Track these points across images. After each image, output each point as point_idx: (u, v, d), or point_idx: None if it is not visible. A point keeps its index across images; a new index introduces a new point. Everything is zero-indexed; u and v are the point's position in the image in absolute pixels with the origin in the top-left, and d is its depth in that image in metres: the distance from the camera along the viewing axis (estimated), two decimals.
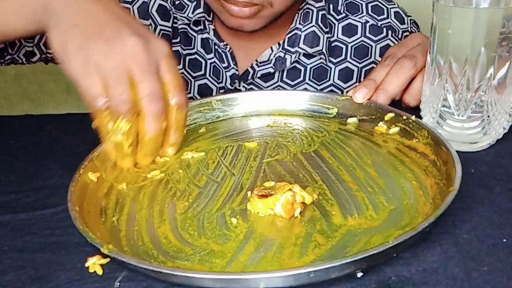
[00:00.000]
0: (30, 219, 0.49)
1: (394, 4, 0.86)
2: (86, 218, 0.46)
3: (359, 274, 0.39)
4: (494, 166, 0.53)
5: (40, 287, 0.40)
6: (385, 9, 0.85)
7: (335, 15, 0.84)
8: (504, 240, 0.43)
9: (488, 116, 0.54)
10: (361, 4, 0.84)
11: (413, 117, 0.57)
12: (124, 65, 0.49)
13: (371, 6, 0.84)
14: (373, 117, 0.61)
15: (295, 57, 0.81)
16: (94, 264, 0.41)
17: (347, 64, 0.83)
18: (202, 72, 0.82)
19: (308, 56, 0.82)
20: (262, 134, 0.62)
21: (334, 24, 0.83)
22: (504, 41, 0.51)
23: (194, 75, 0.83)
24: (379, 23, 0.84)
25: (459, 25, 0.52)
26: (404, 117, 0.58)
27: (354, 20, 0.84)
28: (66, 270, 0.42)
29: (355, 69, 0.84)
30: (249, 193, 0.48)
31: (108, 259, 0.41)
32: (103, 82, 0.48)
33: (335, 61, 0.83)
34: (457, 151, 0.49)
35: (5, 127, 0.69)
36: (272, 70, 0.81)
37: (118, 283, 0.40)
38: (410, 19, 0.86)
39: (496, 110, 0.54)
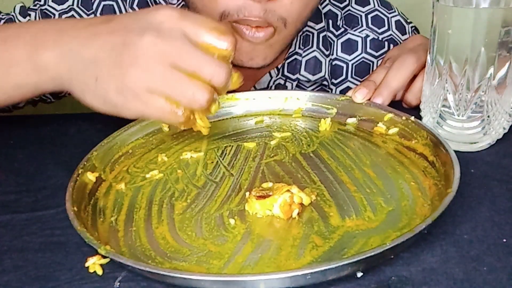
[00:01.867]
0: (30, 219, 0.49)
1: (395, 12, 0.82)
2: (85, 218, 0.47)
3: (359, 274, 0.39)
4: (494, 166, 0.53)
5: (40, 287, 0.40)
6: (385, 19, 0.81)
7: (334, 32, 0.80)
8: (504, 240, 0.43)
9: (488, 116, 0.54)
10: (361, 16, 0.80)
11: (412, 118, 0.57)
12: (165, 71, 0.44)
13: (371, 17, 0.80)
14: (373, 117, 0.61)
15: (296, 83, 0.78)
16: (94, 264, 0.41)
17: (348, 84, 0.81)
18: None
19: (309, 81, 0.79)
20: (262, 134, 0.62)
21: (333, 41, 0.80)
22: (502, 47, 0.51)
23: None
24: (380, 37, 0.80)
25: (459, 25, 0.52)
26: (404, 118, 0.58)
27: (354, 34, 0.80)
28: (66, 270, 0.42)
29: None
30: (247, 194, 0.48)
31: (108, 259, 0.41)
32: (167, 97, 0.45)
33: (336, 82, 0.81)
34: (457, 151, 0.49)
35: (5, 127, 0.69)
36: None
37: (118, 283, 0.40)
38: (411, 26, 0.83)
39: (496, 110, 0.54)
